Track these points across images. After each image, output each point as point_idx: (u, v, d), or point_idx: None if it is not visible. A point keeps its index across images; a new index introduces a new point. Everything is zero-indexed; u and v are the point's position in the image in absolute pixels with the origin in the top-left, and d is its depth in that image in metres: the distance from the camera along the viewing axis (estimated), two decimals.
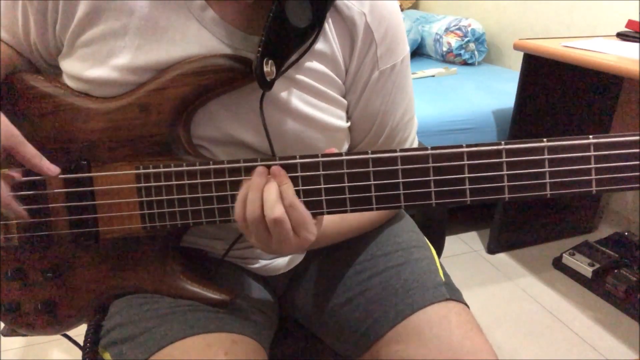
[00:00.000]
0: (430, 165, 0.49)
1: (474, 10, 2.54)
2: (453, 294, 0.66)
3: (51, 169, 0.56)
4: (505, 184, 0.48)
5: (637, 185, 0.46)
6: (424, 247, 0.73)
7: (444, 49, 2.38)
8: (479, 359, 0.58)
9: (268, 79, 0.53)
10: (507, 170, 0.47)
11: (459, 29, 2.34)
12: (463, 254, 1.86)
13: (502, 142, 0.47)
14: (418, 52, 2.61)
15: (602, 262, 1.67)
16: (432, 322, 0.61)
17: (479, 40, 2.33)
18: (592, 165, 0.46)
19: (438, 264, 0.71)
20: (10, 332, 0.66)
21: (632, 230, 1.87)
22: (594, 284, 1.64)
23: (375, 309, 0.64)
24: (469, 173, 0.48)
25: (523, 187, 0.48)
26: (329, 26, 0.58)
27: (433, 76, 2.18)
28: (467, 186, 0.48)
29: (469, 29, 2.31)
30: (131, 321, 0.60)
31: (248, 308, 0.66)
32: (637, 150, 0.46)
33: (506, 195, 0.48)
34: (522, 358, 1.39)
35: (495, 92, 1.94)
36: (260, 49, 0.52)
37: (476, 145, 0.48)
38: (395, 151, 0.49)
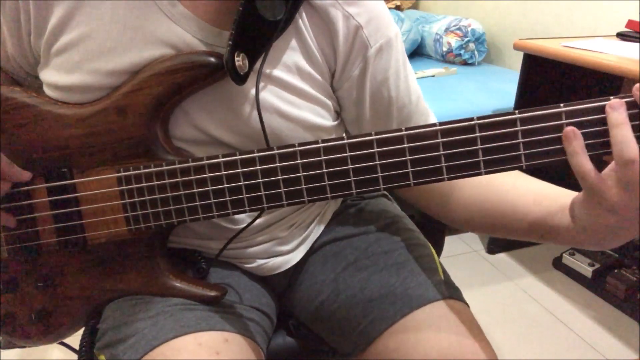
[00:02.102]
0: (406, 145, 0.49)
1: (474, 10, 2.53)
2: (452, 293, 0.66)
3: (23, 174, 0.56)
4: (481, 158, 0.48)
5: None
6: (423, 246, 0.73)
7: (444, 49, 2.38)
8: (478, 359, 0.58)
9: (241, 72, 0.53)
10: (481, 145, 0.48)
11: (459, 29, 2.33)
12: (463, 253, 1.86)
13: (474, 118, 0.47)
14: (418, 52, 2.60)
15: (602, 262, 1.67)
16: (431, 321, 0.61)
17: (479, 40, 2.33)
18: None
19: (437, 263, 0.71)
20: (8, 345, 0.66)
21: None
22: (594, 284, 1.64)
23: (374, 307, 0.64)
24: (443, 150, 0.48)
25: (498, 161, 0.48)
26: (302, 20, 0.57)
27: (433, 76, 2.18)
28: (444, 164, 0.49)
29: (469, 29, 2.31)
30: (123, 323, 0.59)
31: (243, 306, 0.66)
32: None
33: (482, 170, 0.48)
34: (522, 358, 1.39)
35: (495, 92, 1.94)
36: (230, 42, 0.52)
37: (449, 122, 0.48)
38: (370, 134, 0.50)
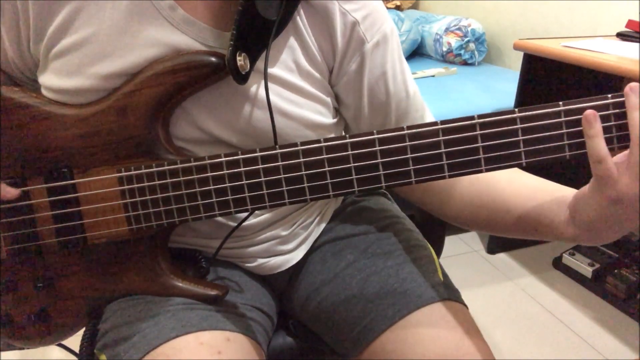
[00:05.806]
0: (408, 144, 0.49)
1: (474, 10, 2.53)
2: (451, 294, 0.66)
3: (12, 192, 0.56)
4: (482, 156, 0.49)
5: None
6: (423, 247, 0.73)
7: (444, 49, 2.38)
8: None
9: (242, 72, 0.53)
10: (481, 143, 0.48)
11: (459, 29, 2.33)
12: (463, 254, 1.86)
13: (475, 116, 0.48)
14: (418, 52, 2.61)
15: (602, 262, 1.67)
16: (430, 322, 0.61)
17: (479, 40, 2.33)
18: (564, 131, 0.47)
19: (437, 264, 0.71)
20: (7, 347, 0.66)
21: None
22: (594, 284, 1.64)
23: (373, 307, 0.64)
24: (445, 148, 0.49)
25: (499, 158, 0.49)
26: (301, 19, 0.58)
27: (433, 76, 2.18)
28: (445, 162, 0.49)
29: (469, 29, 2.31)
30: (125, 322, 0.59)
31: (244, 306, 0.66)
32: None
33: (483, 168, 0.49)
34: (522, 358, 1.39)
35: (495, 92, 1.94)
36: (231, 42, 0.52)
37: (451, 120, 0.49)
38: (372, 133, 0.50)
